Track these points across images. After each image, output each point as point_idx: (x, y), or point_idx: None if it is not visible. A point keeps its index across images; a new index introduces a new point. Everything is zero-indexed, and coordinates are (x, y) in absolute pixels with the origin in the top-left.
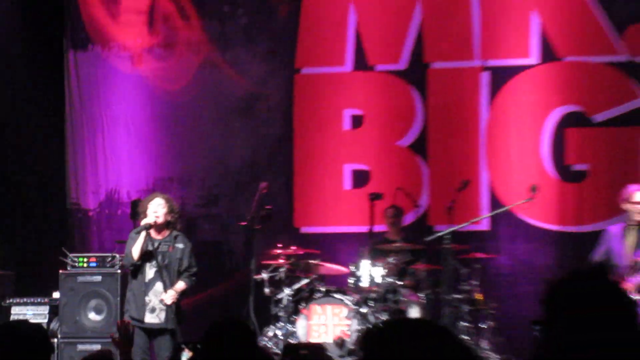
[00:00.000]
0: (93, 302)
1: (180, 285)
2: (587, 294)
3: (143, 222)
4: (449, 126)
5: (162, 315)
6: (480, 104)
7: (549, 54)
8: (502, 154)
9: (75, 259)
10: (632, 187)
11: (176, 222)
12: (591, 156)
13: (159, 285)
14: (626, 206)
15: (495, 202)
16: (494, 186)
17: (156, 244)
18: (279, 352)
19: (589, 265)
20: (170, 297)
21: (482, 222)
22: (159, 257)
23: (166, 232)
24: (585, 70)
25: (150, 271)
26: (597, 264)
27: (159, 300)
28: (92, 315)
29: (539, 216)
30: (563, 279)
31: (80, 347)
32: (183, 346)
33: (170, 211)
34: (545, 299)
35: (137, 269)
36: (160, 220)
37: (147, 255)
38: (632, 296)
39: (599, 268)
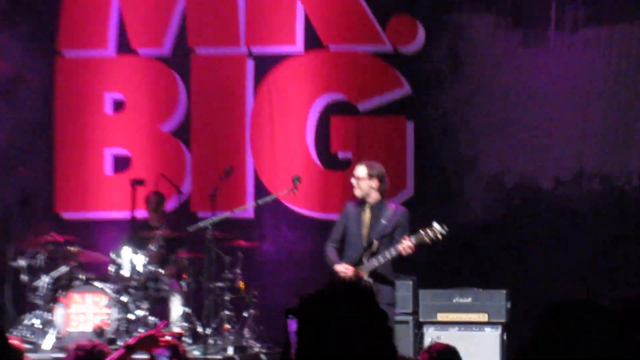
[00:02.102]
0: None
1: None
2: (338, 314)
3: None
4: (213, 113)
5: None
6: (245, 91)
7: (314, 41)
8: (267, 142)
9: None
10: (359, 162)
11: None
12: (355, 144)
13: None
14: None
15: (260, 190)
16: (259, 173)
17: None
18: (35, 340)
19: (342, 281)
20: None
21: (247, 210)
22: None
23: None
24: (350, 59)
25: None
26: (349, 281)
27: None
28: None
29: (304, 204)
30: (314, 296)
31: None
32: None
33: None
34: (298, 313)
35: None
36: None
37: None
38: (365, 280)
39: (352, 285)
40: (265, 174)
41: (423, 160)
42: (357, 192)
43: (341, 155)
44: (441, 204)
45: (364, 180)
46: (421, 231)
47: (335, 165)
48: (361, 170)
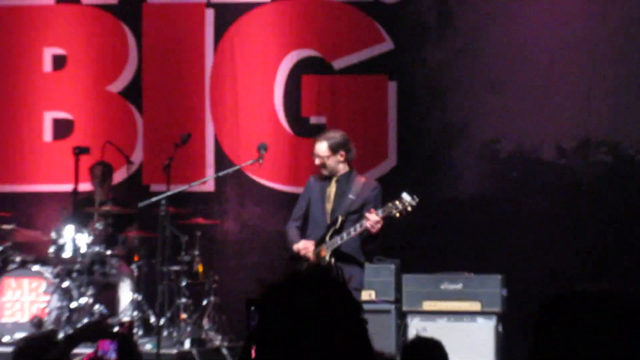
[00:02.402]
0: None
1: None
2: (304, 306)
3: None
4: (168, 70)
5: None
6: (204, 45)
7: None
8: (230, 105)
9: None
10: (316, 137)
11: None
12: (330, 108)
13: None
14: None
15: (222, 160)
16: (221, 141)
17: None
18: None
19: (312, 267)
20: None
21: (207, 183)
22: None
23: None
24: (323, 10)
25: None
26: (318, 266)
27: None
28: None
29: (271, 176)
30: (276, 285)
31: None
32: None
33: None
34: (260, 304)
35: None
36: None
37: None
38: (326, 260)
39: (321, 271)
40: (227, 141)
41: (407, 126)
42: (324, 172)
43: (314, 120)
44: (428, 176)
45: (328, 157)
46: (389, 203)
47: (307, 132)
48: (322, 147)
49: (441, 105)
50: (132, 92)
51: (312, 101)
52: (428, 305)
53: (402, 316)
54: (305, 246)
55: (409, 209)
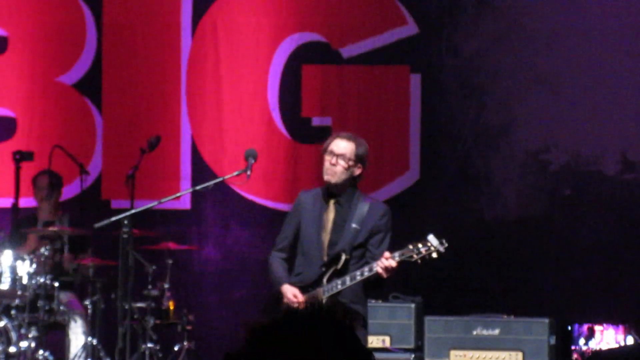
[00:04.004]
0: None
1: None
2: (304, 355)
3: None
4: (133, 58)
5: None
6: (180, 27)
7: None
8: (211, 101)
9: None
10: (338, 134)
11: None
12: (337, 106)
13: None
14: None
15: (201, 169)
16: (199, 146)
17: None
18: None
19: (310, 306)
20: None
21: (181, 199)
22: None
23: None
24: None
25: None
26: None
27: None
28: None
29: (262, 191)
30: (265, 329)
31: None
32: None
33: None
34: (246, 348)
35: None
36: None
37: None
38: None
39: (321, 311)
40: (207, 146)
41: (433, 129)
42: (332, 178)
43: (316, 121)
44: (458, 193)
45: (346, 160)
46: (411, 246)
47: (308, 136)
48: (345, 146)
49: (476, 104)
50: (89, 85)
51: (314, 98)
52: (456, 356)
53: None
54: (294, 295)
55: (435, 255)
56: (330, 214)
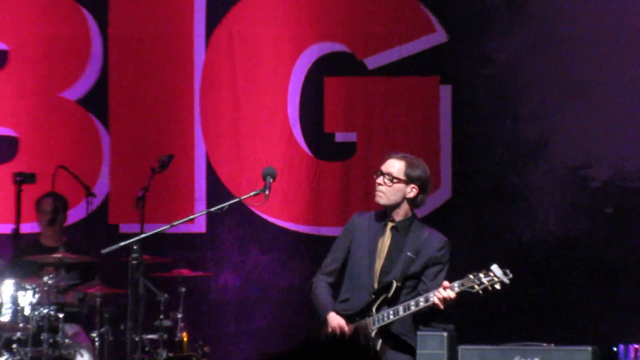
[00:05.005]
0: None
1: None
2: None
3: None
4: (142, 70)
5: None
6: (194, 37)
7: None
8: (227, 117)
9: None
10: (391, 153)
11: None
12: (362, 121)
13: None
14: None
15: (216, 189)
16: (215, 165)
17: None
18: None
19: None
20: None
21: (195, 222)
22: None
23: None
24: None
25: None
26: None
27: None
28: None
29: (283, 212)
30: (286, 356)
31: None
32: None
33: None
34: None
35: None
36: None
37: None
38: (371, 339)
39: (351, 346)
40: (223, 166)
41: (465, 143)
42: (381, 199)
43: (340, 137)
44: (492, 212)
45: (397, 182)
46: (471, 275)
47: (331, 153)
48: (396, 165)
49: (511, 116)
50: (95, 100)
51: (338, 112)
52: None
53: None
54: (339, 325)
55: (498, 287)
56: (387, 240)
